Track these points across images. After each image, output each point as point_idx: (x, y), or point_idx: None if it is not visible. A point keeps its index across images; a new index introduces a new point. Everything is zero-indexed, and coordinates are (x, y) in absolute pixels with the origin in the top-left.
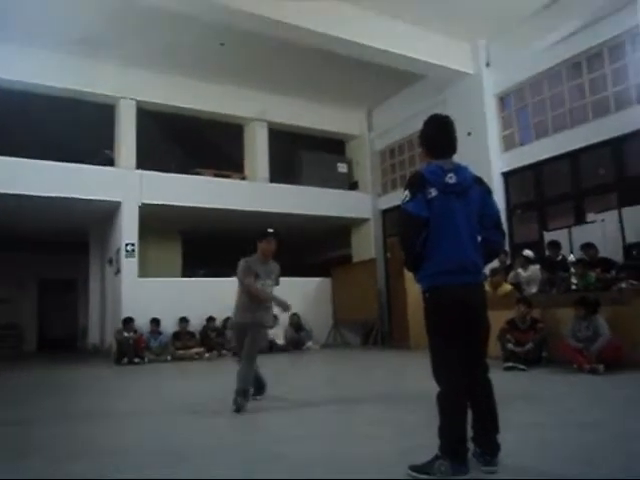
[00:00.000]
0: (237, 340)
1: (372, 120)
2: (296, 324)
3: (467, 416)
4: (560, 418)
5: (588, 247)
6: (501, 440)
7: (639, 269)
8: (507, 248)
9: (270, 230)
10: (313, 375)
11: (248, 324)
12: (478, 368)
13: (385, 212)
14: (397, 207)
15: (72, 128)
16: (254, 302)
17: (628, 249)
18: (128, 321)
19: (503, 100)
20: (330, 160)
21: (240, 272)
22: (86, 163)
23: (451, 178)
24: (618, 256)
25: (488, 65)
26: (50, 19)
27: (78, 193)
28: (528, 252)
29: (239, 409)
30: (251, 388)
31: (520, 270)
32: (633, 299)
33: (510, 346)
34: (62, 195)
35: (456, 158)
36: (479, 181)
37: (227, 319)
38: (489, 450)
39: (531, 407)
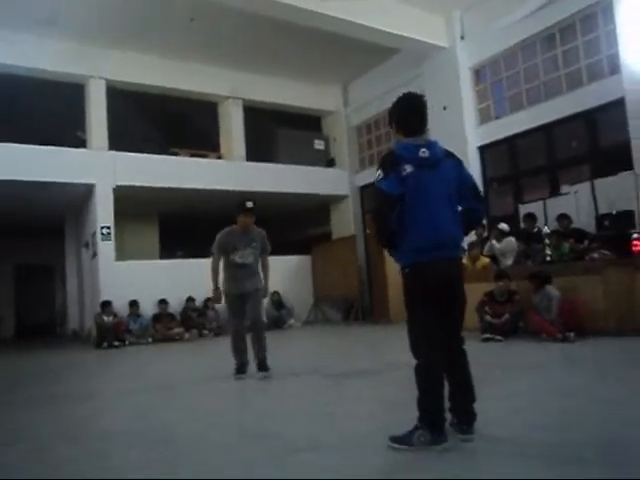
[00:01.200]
0: (234, 309)
1: (348, 95)
2: (277, 302)
3: (444, 387)
4: (536, 386)
5: (562, 218)
6: (479, 409)
7: (611, 239)
8: (484, 221)
9: (249, 205)
10: (296, 352)
11: (249, 292)
12: (454, 341)
13: (363, 188)
14: (374, 184)
15: (42, 110)
16: (242, 270)
17: (600, 220)
18: (106, 304)
19: (478, 73)
20: (307, 137)
21: (214, 247)
22: (58, 145)
23: (424, 152)
24: (591, 227)
25: (463, 38)
26: None
27: (50, 176)
28: (503, 225)
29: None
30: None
31: (494, 242)
32: (604, 269)
33: (488, 318)
34: (34, 179)
35: (432, 133)
36: (449, 154)
37: (208, 299)
38: (465, 419)
39: (508, 376)
